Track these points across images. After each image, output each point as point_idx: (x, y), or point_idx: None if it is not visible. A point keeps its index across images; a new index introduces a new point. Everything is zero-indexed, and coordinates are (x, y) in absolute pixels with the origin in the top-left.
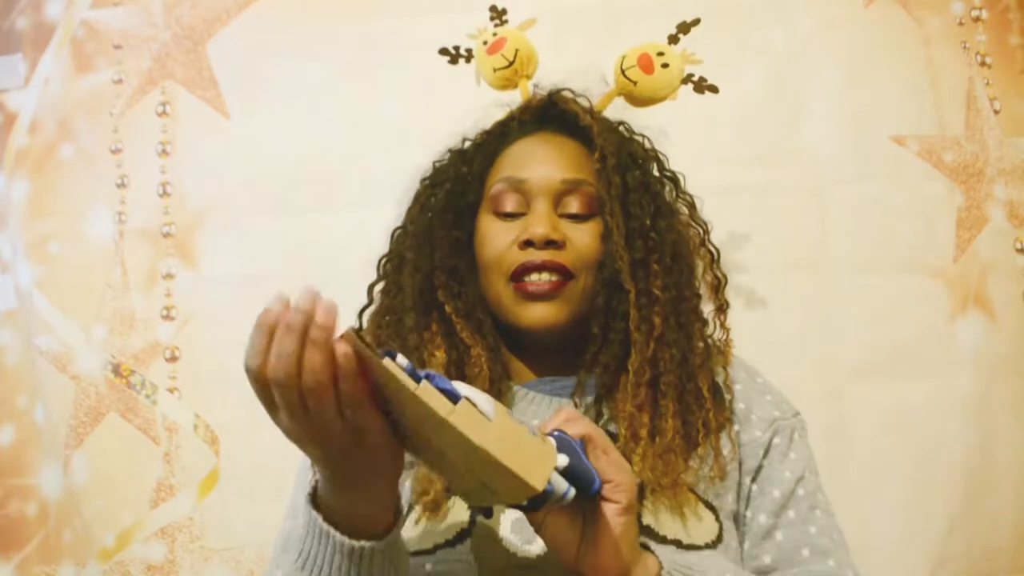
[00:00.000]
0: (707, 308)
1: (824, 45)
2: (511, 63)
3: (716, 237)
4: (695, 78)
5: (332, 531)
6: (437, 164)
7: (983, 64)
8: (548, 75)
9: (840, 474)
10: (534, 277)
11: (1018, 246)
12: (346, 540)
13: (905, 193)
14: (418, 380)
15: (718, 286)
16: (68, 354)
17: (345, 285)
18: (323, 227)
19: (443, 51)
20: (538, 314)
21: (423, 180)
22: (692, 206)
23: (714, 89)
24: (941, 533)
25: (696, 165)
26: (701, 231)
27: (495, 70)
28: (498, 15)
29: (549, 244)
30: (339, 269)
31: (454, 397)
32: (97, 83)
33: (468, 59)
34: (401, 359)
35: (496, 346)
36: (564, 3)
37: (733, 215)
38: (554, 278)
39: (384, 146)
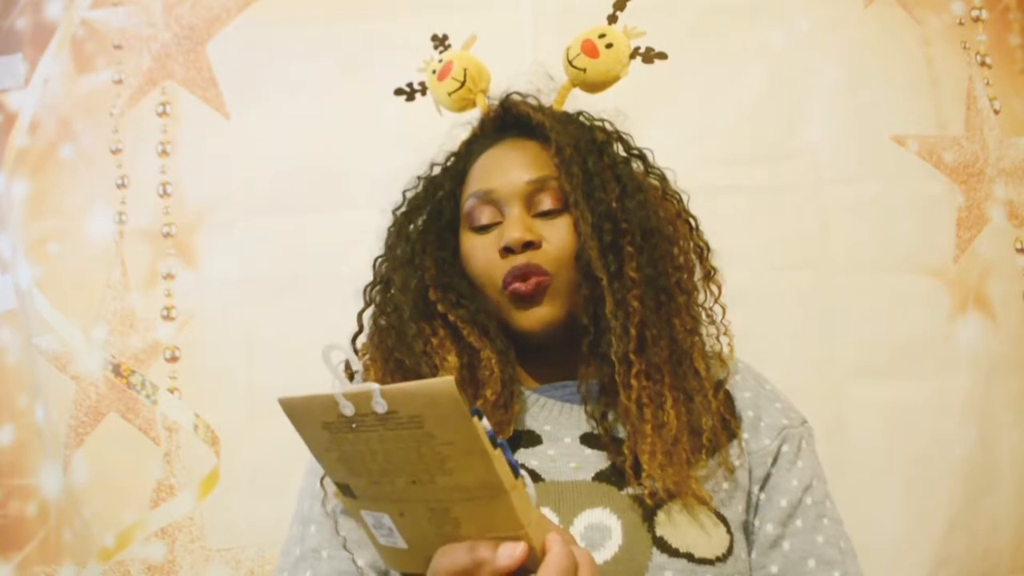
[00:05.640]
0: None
1: (824, 45)
2: (463, 83)
3: (716, 237)
4: (642, 50)
5: None
6: (408, 193)
7: (983, 64)
8: (530, 75)
9: (840, 474)
10: (517, 285)
11: (1018, 246)
12: None
13: (905, 193)
14: (495, 446)
15: (701, 254)
16: (68, 354)
17: (345, 285)
18: (323, 227)
19: (399, 91)
20: (532, 317)
21: (395, 211)
22: (663, 179)
23: (662, 56)
24: (941, 533)
25: (696, 165)
26: (676, 202)
27: (449, 94)
28: (440, 42)
29: (527, 246)
30: (339, 269)
31: (516, 471)
32: (97, 83)
33: (423, 92)
34: (485, 422)
35: (506, 349)
36: (551, 4)
37: (733, 215)
38: (533, 282)
39: (384, 146)
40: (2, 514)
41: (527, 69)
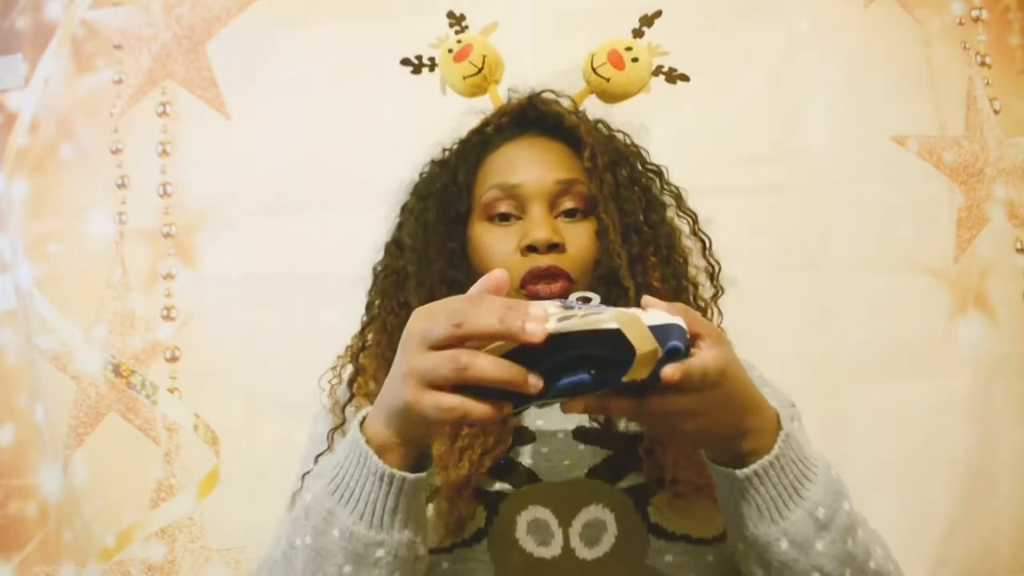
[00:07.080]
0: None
1: (824, 45)
2: (480, 69)
3: (716, 237)
4: (664, 69)
5: (373, 456)
6: (422, 175)
7: (983, 64)
8: (530, 76)
9: (840, 474)
10: (541, 287)
11: (1018, 246)
12: (386, 468)
13: (905, 193)
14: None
15: (712, 273)
16: (68, 354)
17: (345, 285)
18: (323, 227)
19: (405, 61)
20: None
21: (411, 192)
22: (679, 196)
23: (684, 78)
24: (941, 533)
25: (696, 165)
26: (690, 220)
27: (464, 78)
28: (457, 21)
29: (552, 248)
30: (339, 269)
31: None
32: (97, 83)
33: (432, 68)
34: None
35: None
36: (551, 4)
37: (733, 215)
38: (559, 285)
39: (384, 146)
40: (2, 514)
41: (528, 72)
